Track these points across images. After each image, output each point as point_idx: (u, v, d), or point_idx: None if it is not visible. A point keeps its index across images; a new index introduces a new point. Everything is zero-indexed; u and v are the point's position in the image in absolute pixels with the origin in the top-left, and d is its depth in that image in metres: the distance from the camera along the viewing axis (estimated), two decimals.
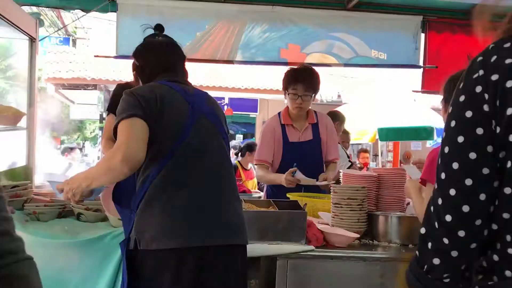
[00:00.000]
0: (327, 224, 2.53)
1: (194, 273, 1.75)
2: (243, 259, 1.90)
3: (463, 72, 0.97)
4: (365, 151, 9.58)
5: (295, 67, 3.23)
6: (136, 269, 1.77)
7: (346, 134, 5.12)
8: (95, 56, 4.79)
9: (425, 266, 0.97)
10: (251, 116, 13.88)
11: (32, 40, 3.22)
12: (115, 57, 3.81)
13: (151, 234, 1.74)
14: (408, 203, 2.68)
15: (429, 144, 9.49)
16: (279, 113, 3.23)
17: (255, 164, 3.28)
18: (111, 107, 2.80)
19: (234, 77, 10.84)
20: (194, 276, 1.75)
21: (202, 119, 1.90)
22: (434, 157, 1.91)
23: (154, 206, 1.76)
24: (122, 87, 2.86)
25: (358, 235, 2.35)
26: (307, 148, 3.14)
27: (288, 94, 3.08)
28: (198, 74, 9.64)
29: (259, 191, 5.27)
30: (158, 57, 1.99)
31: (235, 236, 1.86)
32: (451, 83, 1.97)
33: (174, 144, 1.81)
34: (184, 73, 2.06)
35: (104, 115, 13.17)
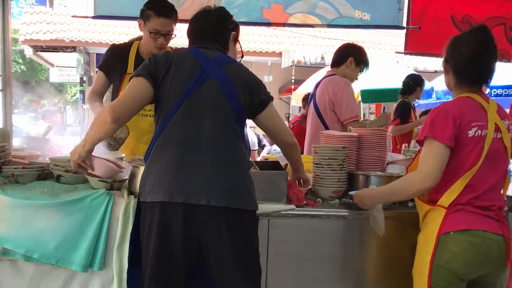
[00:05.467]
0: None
1: (181, 226, 1.85)
2: (224, 221, 1.88)
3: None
4: None
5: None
6: (138, 220, 1.99)
7: None
8: (72, 16, 4.65)
9: None
10: None
11: None
12: (93, 17, 3.70)
13: (148, 187, 1.89)
14: (388, 163, 2.71)
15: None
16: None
17: (353, 121, 3.36)
18: (101, 66, 2.93)
19: None
20: (180, 229, 1.85)
21: (209, 83, 1.94)
22: (436, 115, 1.92)
23: (153, 162, 1.92)
24: (114, 47, 3.00)
25: None
26: None
27: (360, 70, 3.57)
28: (178, 35, 9.45)
29: None
30: (193, 25, 2.14)
31: (219, 198, 1.86)
32: (453, 45, 2.00)
33: (174, 104, 1.92)
34: (220, 37, 2.11)
35: (85, 77, 12.94)
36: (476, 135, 1.90)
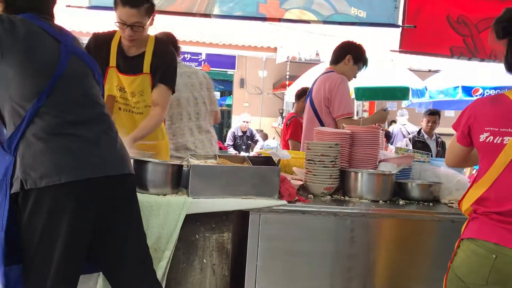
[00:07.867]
0: (301, 180, 2.57)
1: (94, 203, 1.82)
2: (124, 188, 1.94)
3: None
4: None
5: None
6: (27, 209, 1.73)
7: None
8: (66, 6, 4.60)
9: None
10: (228, 73, 13.72)
11: None
12: (89, 7, 3.68)
13: (40, 172, 1.71)
14: (380, 161, 2.73)
15: (405, 104, 9.60)
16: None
17: (347, 118, 3.36)
18: None
19: (212, 32, 10.64)
20: (93, 206, 1.81)
21: (74, 58, 1.91)
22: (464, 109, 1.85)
23: (37, 145, 1.74)
24: (97, 36, 2.87)
25: None
26: None
27: (358, 68, 3.56)
28: (174, 28, 9.39)
29: None
30: None
31: (117, 167, 1.89)
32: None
33: (48, 82, 1.77)
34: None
35: None
36: (487, 141, 1.70)
